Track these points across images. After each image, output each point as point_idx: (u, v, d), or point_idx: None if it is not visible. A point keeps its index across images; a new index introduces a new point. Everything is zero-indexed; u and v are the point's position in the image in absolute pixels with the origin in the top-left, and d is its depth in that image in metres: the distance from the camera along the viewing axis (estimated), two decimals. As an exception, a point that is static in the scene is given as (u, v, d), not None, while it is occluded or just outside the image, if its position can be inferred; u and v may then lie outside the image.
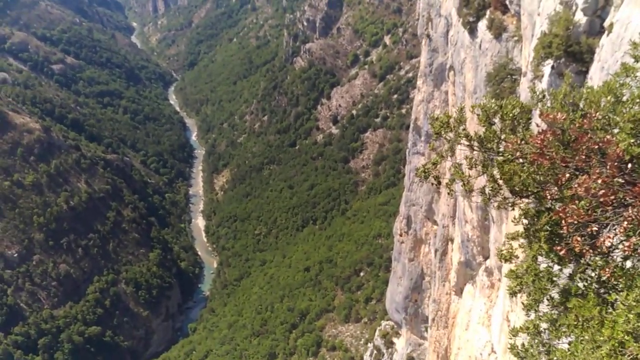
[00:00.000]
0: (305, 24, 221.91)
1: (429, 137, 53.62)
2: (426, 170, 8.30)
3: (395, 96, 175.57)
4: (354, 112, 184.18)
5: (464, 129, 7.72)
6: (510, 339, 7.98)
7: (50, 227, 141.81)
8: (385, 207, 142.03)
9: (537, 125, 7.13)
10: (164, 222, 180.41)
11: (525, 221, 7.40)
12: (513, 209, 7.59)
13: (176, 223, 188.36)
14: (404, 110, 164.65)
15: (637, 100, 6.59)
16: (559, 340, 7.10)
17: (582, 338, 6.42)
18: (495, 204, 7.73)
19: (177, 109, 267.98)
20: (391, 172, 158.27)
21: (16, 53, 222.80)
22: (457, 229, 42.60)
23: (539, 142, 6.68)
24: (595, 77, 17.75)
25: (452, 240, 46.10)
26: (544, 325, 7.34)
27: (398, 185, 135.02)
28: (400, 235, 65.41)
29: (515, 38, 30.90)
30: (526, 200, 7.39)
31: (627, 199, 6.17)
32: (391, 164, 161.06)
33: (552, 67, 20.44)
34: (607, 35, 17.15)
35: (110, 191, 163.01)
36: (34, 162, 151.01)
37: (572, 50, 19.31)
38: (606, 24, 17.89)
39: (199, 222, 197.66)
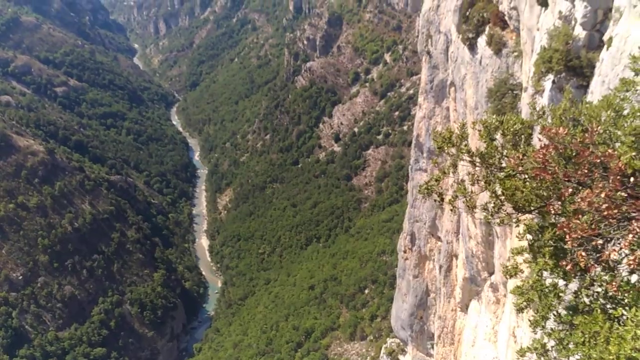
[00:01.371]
0: (305, 42, 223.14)
1: (431, 153, 53.61)
2: (429, 187, 8.28)
3: (397, 113, 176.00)
4: (356, 129, 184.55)
5: (465, 145, 7.71)
6: (518, 359, 7.90)
7: (55, 249, 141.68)
8: (388, 224, 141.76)
9: (539, 140, 7.12)
10: (167, 242, 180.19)
11: (529, 236, 7.36)
12: (517, 225, 7.56)
13: (180, 243, 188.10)
14: (405, 127, 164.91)
15: (638, 114, 6.58)
16: (567, 359, 7.03)
17: (589, 355, 6.35)
18: (498, 220, 7.70)
19: (180, 129, 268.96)
20: (394, 189, 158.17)
21: (19, 76, 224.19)
22: (461, 245, 42.46)
23: (540, 157, 6.66)
24: (596, 91, 17.76)
25: (456, 256, 45.92)
26: (551, 344, 7.26)
27: (401, 202, 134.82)
28: (405, 251, 65.20)
29: (515, 53, 30.96)
30: (529, 216, 7.36)
31: (631, 212, 6.14)
32: (394, 180, 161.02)
33: (553, 82, 20.47)
34: (607, 49, 17.19)
35: (114, 212, 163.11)
36: (38, 184, 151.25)
37: (572, 64, 19.37)
38: (605, 38, 17.94)
39: (203, 241, 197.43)
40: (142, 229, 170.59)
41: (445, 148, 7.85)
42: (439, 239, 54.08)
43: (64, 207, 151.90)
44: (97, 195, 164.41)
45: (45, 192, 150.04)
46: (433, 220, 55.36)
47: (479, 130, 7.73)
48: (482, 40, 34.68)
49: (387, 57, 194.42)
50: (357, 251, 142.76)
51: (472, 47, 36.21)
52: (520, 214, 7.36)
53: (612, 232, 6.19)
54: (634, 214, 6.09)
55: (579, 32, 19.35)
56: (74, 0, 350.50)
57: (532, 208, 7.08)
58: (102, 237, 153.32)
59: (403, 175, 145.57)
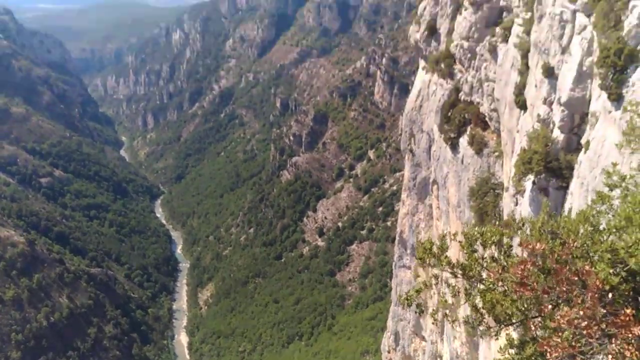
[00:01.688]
0: (291, 138, 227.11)
1: (414, 250, 53.53)
2: (409, 298, 8.24)
3: (381, 209, 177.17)
4: (340, 224, 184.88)
5: (446, 257, 7.73)
6: None
7: (28, 345, 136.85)
8: (372, 322, 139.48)
9: (517, 255, 7.15)
10: (146, 339, 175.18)
11: (511, 351, 7.26)
12: (497, 339, 7.47)
13: (159, 339, 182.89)
14: (389, 223, 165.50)
15: (614, 230, 6.67)
16: None
17: None
18: (480, 333, 7.61)
19: (164, 221, 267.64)
20: (378, 286, 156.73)
21: (5, 166, 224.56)
22: (445, 346, 41.70)
23: (519, 272, 6.67)
24: (576, 192, 18.06)
25: (441, 357, 44.97)
26: None
27: (385, 299, 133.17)
28: (389, 351, 63.76)
29: (496, 153, 31.59)
30: (510, 328, 7.28)
31: (610, 329, 6.10)
32: (378, 277, 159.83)
33: (534, 182, 20.83)
34: (585, 152, 17.63)
35: (92, 306, 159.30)
36: (15, 277, 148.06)
37: (551, 166, 19.78)
38: (583, 141, 18.43)
39: (182, 338, 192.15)
40: (120, 324, 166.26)
41: (427, 259, 7.87)
42: (423, 338, 53.13)
43: (41, 300, 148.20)
44: (75, 288, 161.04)
45: (23, 284, 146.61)
46: (417, 318, 54.56)
47: (460, 242, 7.77)
48: (463, 140, 35.43)
49: (371, 153, 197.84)
50: (340, 350, 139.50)
51: (454, 147, 36.93)
52: (501, 326, 7.28)
53: (593, 349, 6.13)
54: (613, 331, 6.05)
55: (558, 135, 19.89)
56: (64, 93, 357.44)
57: (514, 321, 7.03)
58: (78, 332, 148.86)
59: (387, 271, 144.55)
